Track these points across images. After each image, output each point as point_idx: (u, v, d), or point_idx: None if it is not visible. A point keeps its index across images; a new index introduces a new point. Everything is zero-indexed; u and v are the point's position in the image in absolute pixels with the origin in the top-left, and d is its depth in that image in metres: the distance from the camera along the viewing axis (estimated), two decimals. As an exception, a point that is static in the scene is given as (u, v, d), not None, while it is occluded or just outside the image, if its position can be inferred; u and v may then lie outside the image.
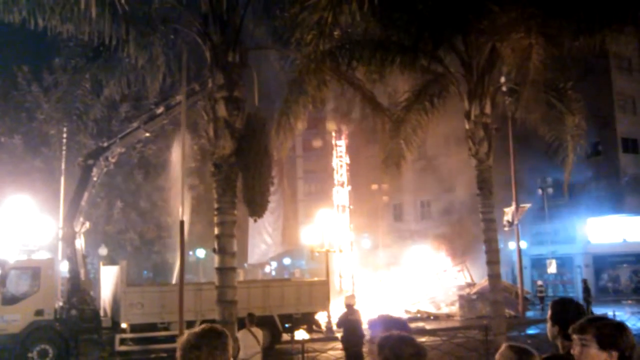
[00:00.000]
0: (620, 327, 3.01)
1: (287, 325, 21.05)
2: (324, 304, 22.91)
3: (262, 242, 62.00)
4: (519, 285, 31.38)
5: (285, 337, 20.77)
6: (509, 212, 30.79)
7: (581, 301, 28.97)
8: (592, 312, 25.15)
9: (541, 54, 10.02)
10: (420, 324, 26.28)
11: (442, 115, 14.40)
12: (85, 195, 20.54)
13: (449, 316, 31.29)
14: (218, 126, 11.41)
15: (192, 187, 31.24)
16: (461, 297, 31.98)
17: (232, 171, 11.36)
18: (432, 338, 19.40)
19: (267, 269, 59.84)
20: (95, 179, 20.98)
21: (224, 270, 11.29)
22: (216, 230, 11.36)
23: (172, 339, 17.07)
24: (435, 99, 13.81)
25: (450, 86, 13.15)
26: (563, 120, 13.31)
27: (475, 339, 18.17)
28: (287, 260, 59.78)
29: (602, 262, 41.52)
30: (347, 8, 9.31)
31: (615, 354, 2.91)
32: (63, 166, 27.15)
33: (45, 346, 18.16)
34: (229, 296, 11.21)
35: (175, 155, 19.75)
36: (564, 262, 41.69)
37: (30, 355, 17.90)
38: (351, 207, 36.45)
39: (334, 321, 18.55)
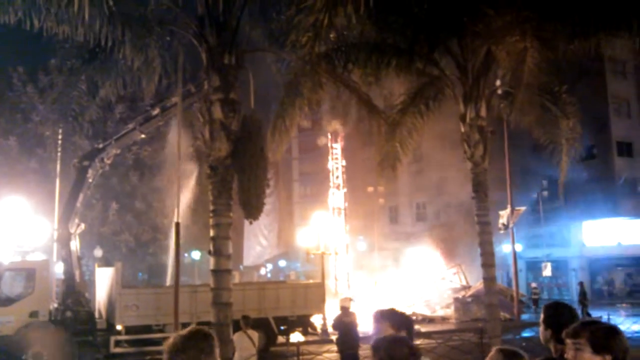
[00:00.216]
0: (614, 330, 3.02)
1: (282, 327, 21.03)
2: (320, 306, 22.91)
3: (257, 244, 62.08)
4: (514, 288, 31.43)
5: (281, 339, 20.75)
6: (504, 215, 30.83)
7: (577, 304, 29.17)
8: (589, 315, 25.21)
9: (536, 57, 10.06)
10: (416, 327, 26.27)
11: (437, 118, 14.43)
12: (81, 196, 20.49)
13: (444, 319, 31.32)
14: (214, 128, 11.40)
15: (189, 188, 31.19)
16: (456, 299, 32.04)
17: (227, 173, 11.34)
18: (427, 341, 19.42)
19: (263, 271, 59.85)
20: (90, 180, 20.93)
21: (219, 273, 11.27)
22: (211, 232, 11.34)
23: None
24: (430, 101, 13.83)
25: (446, 89, 13.18)
26: (558, 123, 13.36)
27: (470, 341, 18.19)
28: (282, 263, 59.78)
29: (597, 265, 41.63)
30: (343, 10, 9.31)
31: (608, 357, 2.92)
32: (58, 168, 27.11)
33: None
34: (224, 298, 11.19)
35: (173, 156, 19.69)
36: (559, 265, 41.79)
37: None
38: (346, 205, 36.39)
39: (330, 323, 18.54)
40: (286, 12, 11.50)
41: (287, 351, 19.12)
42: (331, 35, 10.86)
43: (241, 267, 55.60)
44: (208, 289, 11.68)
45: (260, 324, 18.26)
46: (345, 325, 13.32)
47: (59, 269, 21.77)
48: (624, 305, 35.12)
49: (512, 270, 32.34)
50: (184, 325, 15.90)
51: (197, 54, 11.99)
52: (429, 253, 41.20)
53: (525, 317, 30.51)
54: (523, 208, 32.37)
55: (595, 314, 27.24)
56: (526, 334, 23.11)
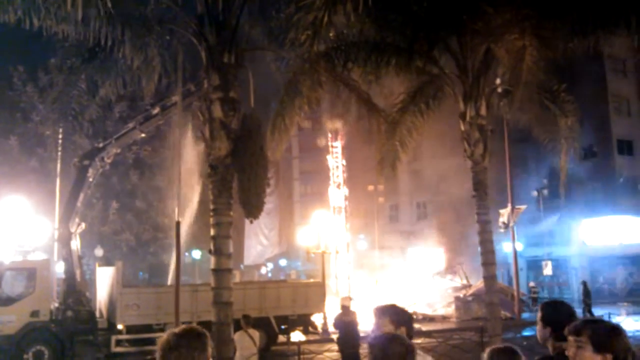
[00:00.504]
0: (616, 330, 3.01)
1: (283, 326, 21.06)
2: (320, 305, 22.93)
3: (258, 244, 62.07)
4: (514, 286, 31.42)
5: (282, 338, 20.78)
6: (504, 214, 30.84)
7: (580, 303, 29.14)
8: (592, 315, 25.18)
9: (535, 55, 10.05)
10: (416, 326, 26.27)
11: (437, 117, 14.42)
12: (81, 196, 20.52)
13: (444, 318, 31.32)
14: (214, 127, 11.40)
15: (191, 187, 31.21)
16: (457, 298, 32.05)
17: (228, 172, 11.34)
18: (428, 339, 19.44)
19: (263, 270, 59.84)
20: (90, 179, 20.96)
21: (220, 272, 11.27)
22: (212, 232, 11.34)
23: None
24: (430, 100, 13.83)
25: (446, 87, 13.17)
26: (557, 122, 13.35)
27: (471, 340, 18.20)
28: (283, 262, 59.78)
29: (598, 264, 41.58)
30: (342, 9, 9.31)
31: (609, 357, 2.91)
32: (59, 167, 27.14)
33: (41, 347, 18.12)
34: (225, 297, 11.20)
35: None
36: (559, 264, 41.77)
37: (25, 356, 17.85)
38: (347, 204, 36.37)
39: (330, 322, 18.55)
40: (285, 11, 11.50)
41: (288, 350, 19.15)
42: (330, 34, 10.85)
43: (242, 266, 55.61)
44: (209, 288, 11.69)
45: (261, 323, 18.28)
46: (345, 324, 13.32)
47: (59, 269, 21.80)
48: (625, 304, 35.10)
49: (512, 269, 32.35)
50: (185, 324, 15.95)
51: (196, 53, 11.98)
52: (429, 252, 41.22)
53: (525, 315, 30.51)
54: (523, 206, 32.36)
55: (596, 312, 27.25)
56: (527, 332, 23.15)
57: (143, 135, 22.90)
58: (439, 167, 38.96)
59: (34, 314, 18.27)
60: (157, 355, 2.90)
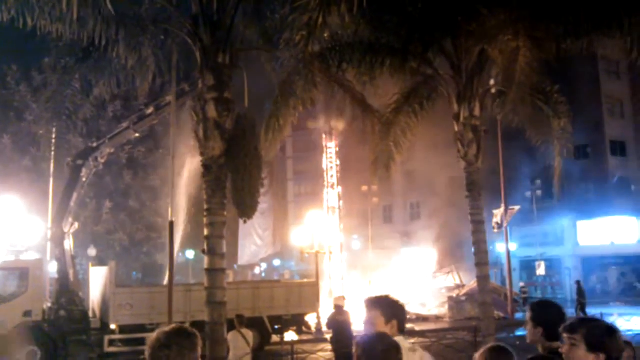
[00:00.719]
0: (611, 330, 3.03)
1: (276, 326, 21.05)
2: (314, 305, 22.92)
3: (252, 244, 61.98)
4: (507, 287, 31.51)
5: (275, 338, 20.76)
6: (498, 214, 30.94)
7: (574, 303, 29.20)
8: (586, 314, 25.26)
9: (528, 56, 10.11)
10: (410, 325, 26.35)
11: (431, 118, 14.46)
12: (74, 195, 20.45)
13: (438, 318, 31.38)
14: (208, 127, 11.39)
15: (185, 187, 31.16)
16: (450, 298, 32.11)
17: (221, 172, 11.33)
18: (421, 339, 19.45)
19: (257, 270, 59.79)
20: (84, 179, 20.90)
21: (214, 272, 11.26)
22: (205, 232, 11.33)
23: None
24: (424, 101, 13.87)
25: (440, 88, 13.21)
26: (550, 123, 13.41)
27: (464, 340, 18.25)
28: (277, 262, 59.72)
29: (591, 264, 41.77)
30: (337, 10, 9.31)
31: (602, 356, 2.93)
32: (52, 166, 27.01)
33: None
34: (219, 297, 11.19)
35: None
36: (552, 264, 41.92)
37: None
38: (341, 204, 36.39)
39: (324, 322, 18.56)
40: (280, 11, 11.52)
41: (282, 350, 19.12)
42: (325, 35, 10.87)
43: (235, 266, 55.55)
44: (202, 288, 11.68)
45: (255, 323, 18.26)
46: (339, 324, 13.34)
47: (52, 268, 21.70)
48: (617, 303, 35.26)
49: (506, 269, 32.44)
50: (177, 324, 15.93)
51: (191, 53, 11.97)
52: (423, 252, 41.27)
53: (519, 315, 30.60)
54: (517, 207, 32.47)
55: (589, 312, 27.34)
56: (520, 332, 23.19)
57: (137, 135, 22.85)
58: (433, 168, 39.03)
59: (27, 313, 18.18)
60: (147, 353, 2.91)
